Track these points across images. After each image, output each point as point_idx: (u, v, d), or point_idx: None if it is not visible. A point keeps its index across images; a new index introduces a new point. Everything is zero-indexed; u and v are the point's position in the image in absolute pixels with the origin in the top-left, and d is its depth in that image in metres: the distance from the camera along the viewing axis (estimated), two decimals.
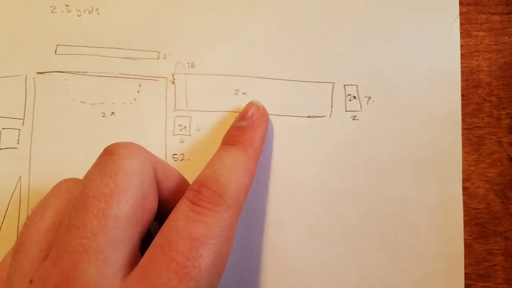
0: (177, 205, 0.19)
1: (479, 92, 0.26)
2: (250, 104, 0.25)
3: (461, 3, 0.27)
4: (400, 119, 0.26)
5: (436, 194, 0.25)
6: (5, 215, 0.25)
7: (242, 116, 0.24)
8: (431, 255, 0.25)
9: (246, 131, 0.23)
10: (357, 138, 0.26)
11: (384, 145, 0.25)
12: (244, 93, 0.26)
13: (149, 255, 0.17)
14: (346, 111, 0.26)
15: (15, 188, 0.25)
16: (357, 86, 0.26)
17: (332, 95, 0.26)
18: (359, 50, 0.26)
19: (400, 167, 0.25)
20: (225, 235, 0.18)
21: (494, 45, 0.27)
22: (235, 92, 0.26)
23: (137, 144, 0.20)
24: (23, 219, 0.25)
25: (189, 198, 0.19)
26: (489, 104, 0.26)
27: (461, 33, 0.27)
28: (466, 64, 0.27)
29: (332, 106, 0.26)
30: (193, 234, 0.18)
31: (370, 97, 0.26)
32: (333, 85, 0.26)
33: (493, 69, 0.27)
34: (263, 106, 0.25)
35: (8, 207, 0.25)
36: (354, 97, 0.26)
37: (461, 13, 0.27)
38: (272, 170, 0.26)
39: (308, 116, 0.26)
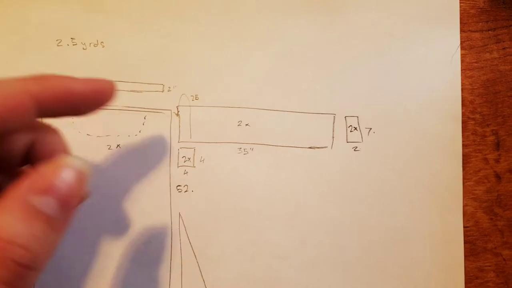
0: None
1: (463, 111, 0.27)
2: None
3: None
4: (401, 150, 0.26)
5: (437, 225, 0.26)
6: None
7: None
8: (432, 286, 0.25)
9: None
10: (359, 169, 0.26)
11: (385, 176, 0.26)
12: (247, 124, 0.27)
13: None
14: (347, 142, 0.26)
15: None
16: (357, 117, 0.26)
17: (333, 126, 0.26)
18: (359, 82, 0.27)
19: (401, 198, 0.26)
20: None
21: (476, 62, 0.27)
22: (238, 123, 0.27)
23: None
24: None
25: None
26: (473, 122, 0.27)
27: None
28: None
29: (333, 137, 0.26)
30: None
31: (371, 128, 0.26)
32: (334, 117, 0.27)
33: (476, 87, 0.27)
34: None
35: None
36: (355, 128, 0.26)
37: None
38: (274, 201, 0.26)
39: (310, 147, 0.26)
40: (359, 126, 0.26)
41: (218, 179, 0.26)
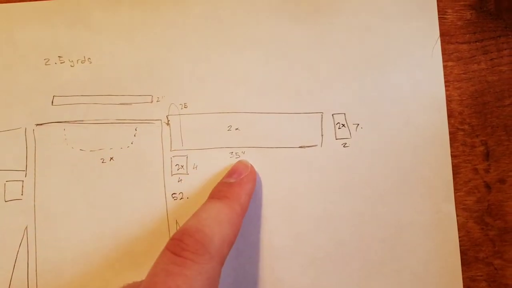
0: (158, 258, 0.19)
1: (452, 122, 0.27)
2: (239, 162, 0.26)
3: None
4: (389, 143, 0.27)
5: (431, 214, 0.26)
6: (14, 266, 0.26)
7: (230, 173, 0.25)
8: (430, 274, 0.25)
9: (233, 187, 0.24)
10: (349, 165, 0.26)
11: (376, 170, 0.26)
12: (237, 128, 0.27)
13: None
14: (336, 139, 0.27)
15: (22, 239, 0.26)
16: (344, 114, 0.27)
17: (321, 125, 0.27)
18: (344, 79, 0.27)
19: (393, 190, 0.26)
20: None
21: (464, 74, 0.27)
22: (228, 128, 0.27)
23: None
24: (32, 269, 0.26)
25: (170, 248, 0.19)
26: (462, 132, 0.27)
27: None
28: None
29: (322, 135, 0.27)
30: None
31: (358, 124, 0.27)
32: (321, 115, 0.27)
33: (464, 98, 0.27)
34: (251, 165, 0.26)
35: (16, 257, 0.26)
36: (343, 125, 0.27)
37: None
38: (270, 202, 0.26)
39: (300, 147, 0.27)
40: (346, 123, 0.27)
41: (212, 185, 0.26)
